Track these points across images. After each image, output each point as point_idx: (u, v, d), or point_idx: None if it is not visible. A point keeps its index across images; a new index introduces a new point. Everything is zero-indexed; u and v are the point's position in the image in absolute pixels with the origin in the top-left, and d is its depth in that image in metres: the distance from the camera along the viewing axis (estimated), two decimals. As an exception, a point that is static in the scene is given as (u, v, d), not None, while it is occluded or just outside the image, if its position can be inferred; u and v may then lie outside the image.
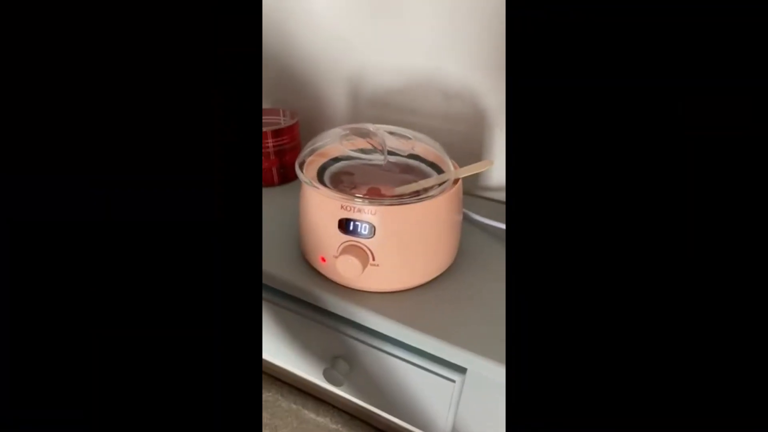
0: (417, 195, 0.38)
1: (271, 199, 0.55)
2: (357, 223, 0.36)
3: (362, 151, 0.44)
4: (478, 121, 0.54)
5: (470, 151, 0.57)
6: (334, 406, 0.95)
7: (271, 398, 0.96)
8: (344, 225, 0.37)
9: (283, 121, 0.58)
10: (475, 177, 0.58)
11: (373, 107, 0.60)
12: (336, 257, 0.37)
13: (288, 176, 0.59)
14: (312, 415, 0.93)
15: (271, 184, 0.58)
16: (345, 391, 0.47)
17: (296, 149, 0.59)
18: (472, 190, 0.59)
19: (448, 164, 0.41)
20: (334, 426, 0.91)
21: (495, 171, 0.57)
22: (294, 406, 0.95)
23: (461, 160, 0.43)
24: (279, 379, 1.01)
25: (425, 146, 0.44)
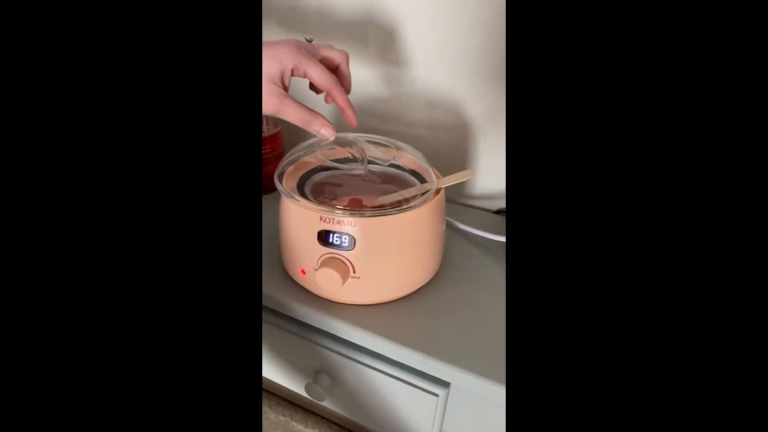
0: (398, 206, 0.37)
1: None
2: (337, 235, 0.36)
3: (343, 160, 0.43)
4: (461, 129, 0.54)
5: (453, 159, 0.56)
6: (322, 417, 0.94)
7: (258, 410, 0.94)
8: (324, 237, 0.36)
9: (266, 130, 0.57)
10: (459, 185, 0.58)
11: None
12: (316, 270, 0.37)
13: (270, 186, 0.58)
14: (300, 427, 0.92)
15: (254, 194, 0.57)
16: (328, 405, 0.46)
17: (279, 158, 0.57)
18: (456, 198, 0.59)
19: (431, 173, 0.41)
20: (322, 438, 0.90)
21: (479, 179, 0.57)
22: (282, 418, 0.94)
23: (444, 169, 0.43)
24: (266, 390, 0.99)
25: (407, 156, 0.44)
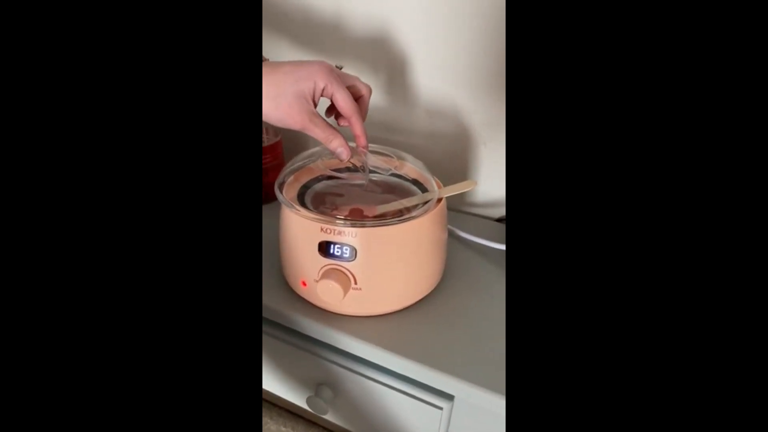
0: (400, 215, 0.37)
1: (254, 220, 0.54)
2: (338, 246, 0.35)
3: (345, 170, 0.43)
4: (462, 138, 0.54)
5: (455, 168, 0.56)
6: (325, 429, 0.92)
7: (259, 421, 0.93)
8: (324, 248, 0.36)
9: (266, 139, 0.57)
10: (460, 193, 0.58)
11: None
12: (317, 281, 0.36)
13: (271, 196, 0.58)
14: (302, 438, 0.91)
15: (254, 204, 0.57)
16: (330, 419, 0.45)
17: (279, 168, 0.57)
18: (457, 206, 0.59)
19: (432, 183, 0.41)
20: (324, 449, 0.88)
21: (480, 186, 0.56)
22: (283, 429, 0.93)
23: (445, 177, 0.43)
24: (267, 401, 0.98)
25: (408, 165, 0.44)
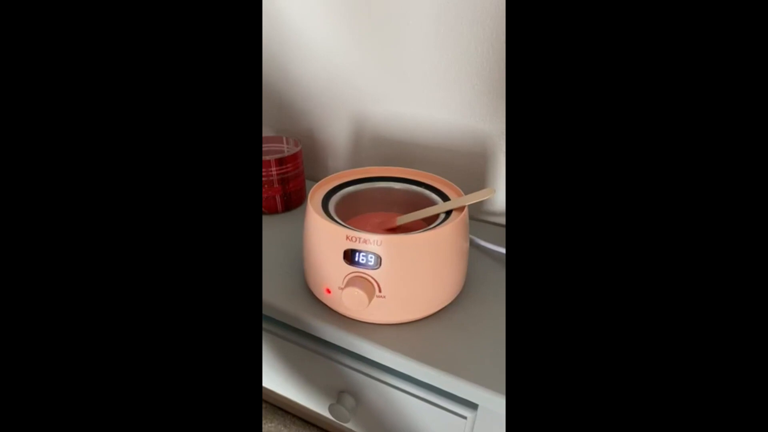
0: (422, 226, 0.37)
1: (275, 227, 0.54)
2: (362, 253, 0.36)
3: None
4: (479, 146, 0.54)
5: (473, 177, 0.56)
6: (338, 438, 0.92)
7: (273, 429, 0.93)
8: (350, 256, 0.36)
9: (287, 149, 0.58)
10: (479, 202, 0.58)
11: (374, 137, 0.60)
12: (341, 289, 0.36)
13: (291, 204, 0.59)
14: (316, 447, 0.90)
15: (275, 212, 0.58)
16: (352, 427, 0.45)
17: (299, 176, 0.58)
18: (476, 215, 0.59)
19: (454, 192, 0.41)
20: (338, 458, 0.88)
21: (499, 195, 0.57)
22: (297, 438, 0.92)
23: (464, 186, 0.43)
24: (281, 409, 0.98)
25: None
